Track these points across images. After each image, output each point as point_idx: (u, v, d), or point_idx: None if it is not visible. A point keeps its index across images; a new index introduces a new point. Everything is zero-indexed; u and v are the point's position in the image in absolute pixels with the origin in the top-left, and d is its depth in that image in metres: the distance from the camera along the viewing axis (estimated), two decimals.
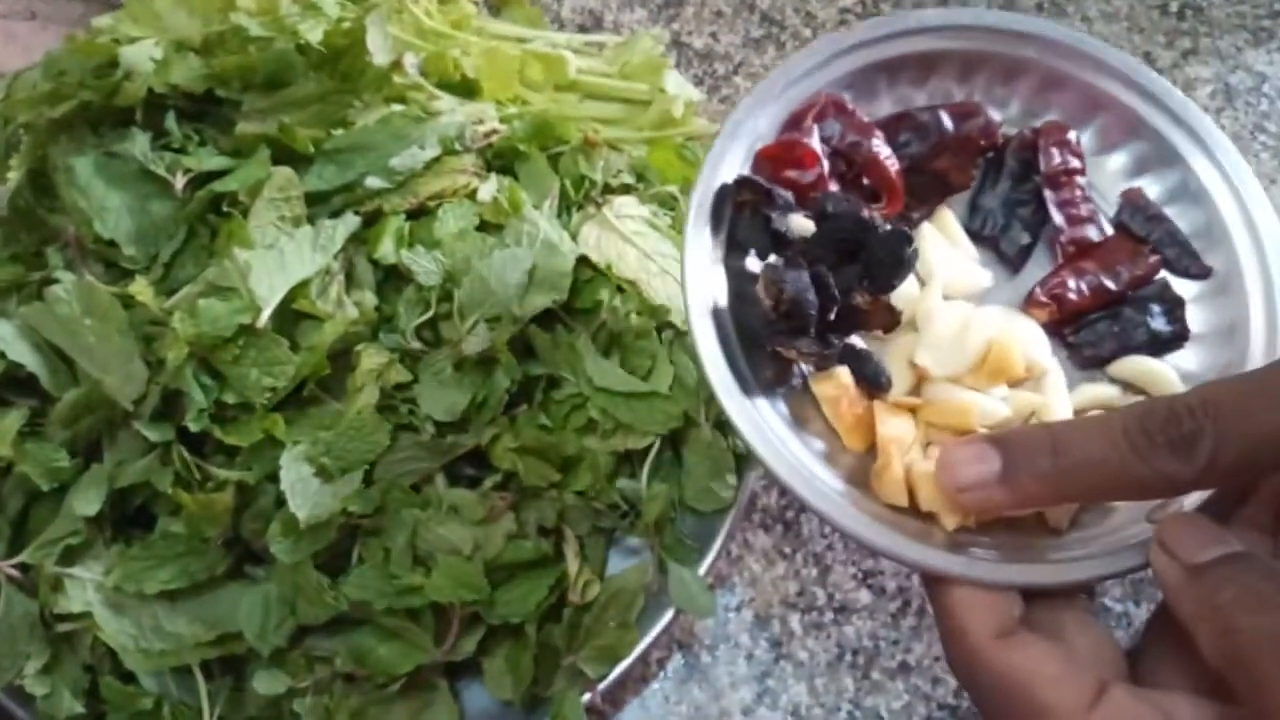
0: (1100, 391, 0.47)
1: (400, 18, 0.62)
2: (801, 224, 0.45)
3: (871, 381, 0.45)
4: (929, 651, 0.58)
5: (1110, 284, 0.48)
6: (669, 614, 0.53)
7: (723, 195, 0.46)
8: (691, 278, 0.44)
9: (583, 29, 0.77)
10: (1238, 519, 0.41)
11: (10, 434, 0.50)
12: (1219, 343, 0.47)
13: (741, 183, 0.46)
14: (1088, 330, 0.48)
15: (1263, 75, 0.75)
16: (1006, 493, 0.39)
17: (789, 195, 0.46)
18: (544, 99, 0.66)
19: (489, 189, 0.58)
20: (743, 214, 0.46)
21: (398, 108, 0.57)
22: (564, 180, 0.60)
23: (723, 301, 0.45)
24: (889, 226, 0.43)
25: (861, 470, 0.44)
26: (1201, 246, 0.48)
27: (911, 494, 0.43)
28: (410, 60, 0.59)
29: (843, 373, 0.45)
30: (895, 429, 0.44)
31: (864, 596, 0.60)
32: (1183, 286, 0.48)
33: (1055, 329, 0.48)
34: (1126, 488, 0.38)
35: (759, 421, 0.42)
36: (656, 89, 0.67)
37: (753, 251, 0.46)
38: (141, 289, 0.52)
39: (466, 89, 0.63)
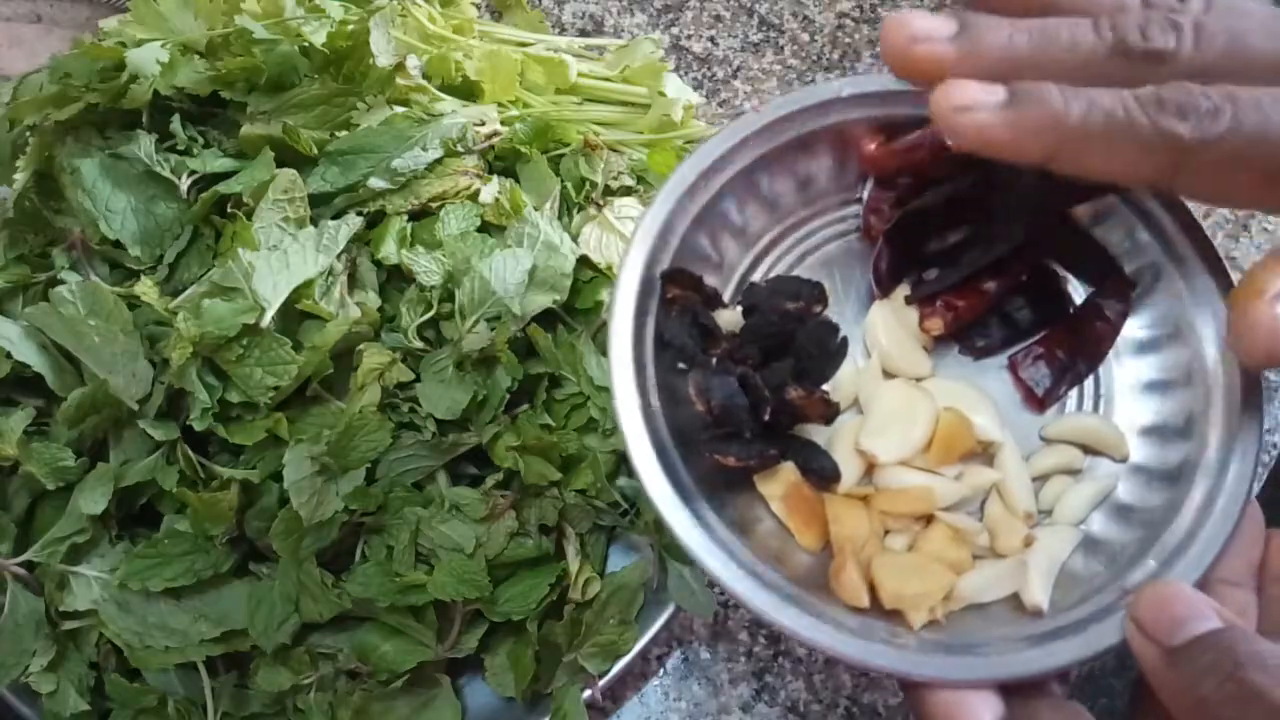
0: (1060, 457, 0.45)
1: (404, 21, 0.63)
2: (729, 318, 0.45)
3: (819, 474, 0.43)
4: None
5: (992, 282, 0.46)
6: (669, 611, 0.54)
7: (646, 292, 0.44)
8: (619, 381, 0.42)
9: (583, 33, 0.78)
10: (1216, 578, 0.39)
11: (16, 433, 0.50)
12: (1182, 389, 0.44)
13: (670, 275, 0.44)
14: (980, 328, 0.47)
15: None
16: (956, 50, 0.37)
17: (715, 289, 0.45)
18: (545, 102, 0.67)
19: (490, 190, 0.58)
20: (670, 310, 0.44)
21: (400, 110, 0.58)
22: (565, 182, 0.60)
23: (654, 402, 0.43)
24: (816, 319, 0.42)
25: (819, 569, 0.42)
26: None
27: (874, 592, 0.41)
28: (413, 62, 0.59)
29: (788, 468, 0.43)
30: (848, 526, 0.42)
31: None
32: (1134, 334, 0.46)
33: (954, 337, 0.47)
34: (1119, 140, 0.36)
35: (704, 529, 0.40)
36: (656, 92, 0.68)
37: (681, 350, 0.44)
38: (146, 289, 0.52)
39: (468, 91, 0.63)
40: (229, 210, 0.55)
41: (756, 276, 0.48)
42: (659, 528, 0.54)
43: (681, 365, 0.44)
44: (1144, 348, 0.46)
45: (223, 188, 0.55)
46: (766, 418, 0.42)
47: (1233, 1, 0.38)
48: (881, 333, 0.46)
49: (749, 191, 0.48)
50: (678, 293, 0.44)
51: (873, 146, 0.47)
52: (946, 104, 0.37)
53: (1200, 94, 0.35)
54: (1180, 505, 0.41)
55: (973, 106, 0.36)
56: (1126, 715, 0.40)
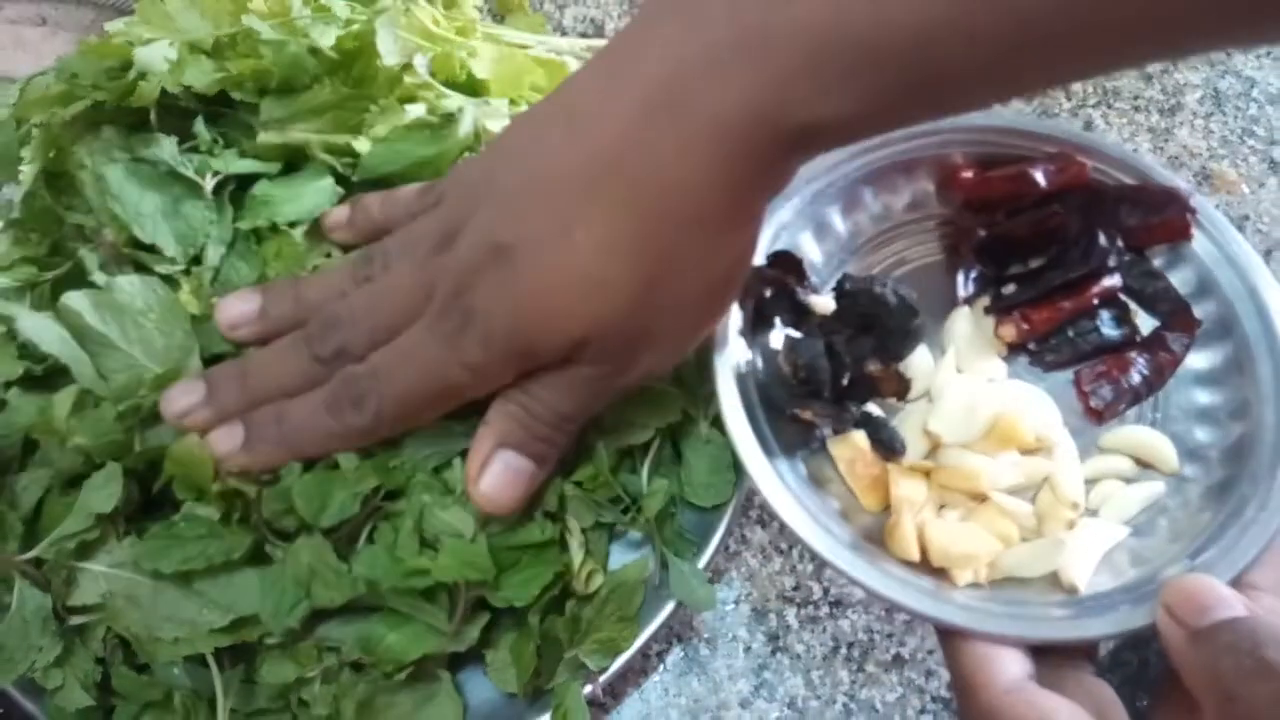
0: (1112, 464, 0.49)
1: (408, 19, 0.63)
2: (822, 302, 0.50)
3: (887, 446, 0.48)
4: (923, 645, 0.59)
5: (1067, 303, 0.51)
6: (668, 607, 0.54)
7: (754, 276, 0.49)
8: (721, 350, 0.48)
9: (584, 36, 0.78)
10: (1247, 581, 0.42)
11: (65, 408, 0.51)
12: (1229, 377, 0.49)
13: (775, 256, 0.50)
14: (1051, 343, 0.52)
15: (1251, 80, 0.76)
16: (213, 413, 0.50)
17: (810, 277, 0.51)
18: None
19: None
20: (770, 288, 0.50)
21: (411, 109, 0.58)
22: None
23: (746, 369, 0.49)
24: (900, 300, 0.47)
25: (876, 528, 0.47)
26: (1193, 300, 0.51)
27: (924, 551, 0.45)
28: (420, 60, 0.60)
29: (859, 436, 0.48)
30: (908, 490, 0.47)
31: (859, 591, 0.60)
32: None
33: (1026, 349, 0.52)
34: (326, 441, 0.49)
35: (779, 480, 0.45)
36: None
37: (778, 322, 0.50)
38: (186, 297, 0.54)
39: (473, 89, 0.63)
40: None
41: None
42: (660, 522, 0.55)
43: (773, 344, 0.50)
44: (1203, 379, 0.50)
45: (277, 216, 0.56)
46: (845, 383, 0.48)
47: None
48: (960, 335, 0.51)
49: (851, 202, 0.54)
50: (778, 274, 0.50)
51: (969, 174, 0.53)
52: (218, 456, 0.49)
53: (353, 380, 0.48)
54: (1221, 517, 0.45)
55: (226, 457, 0.49)
56: (1149, 707, 0.42)
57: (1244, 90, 0.76)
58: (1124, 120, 0.75)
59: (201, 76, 0.56)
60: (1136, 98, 0.76)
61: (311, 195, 0.57)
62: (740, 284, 0.47)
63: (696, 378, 0.55)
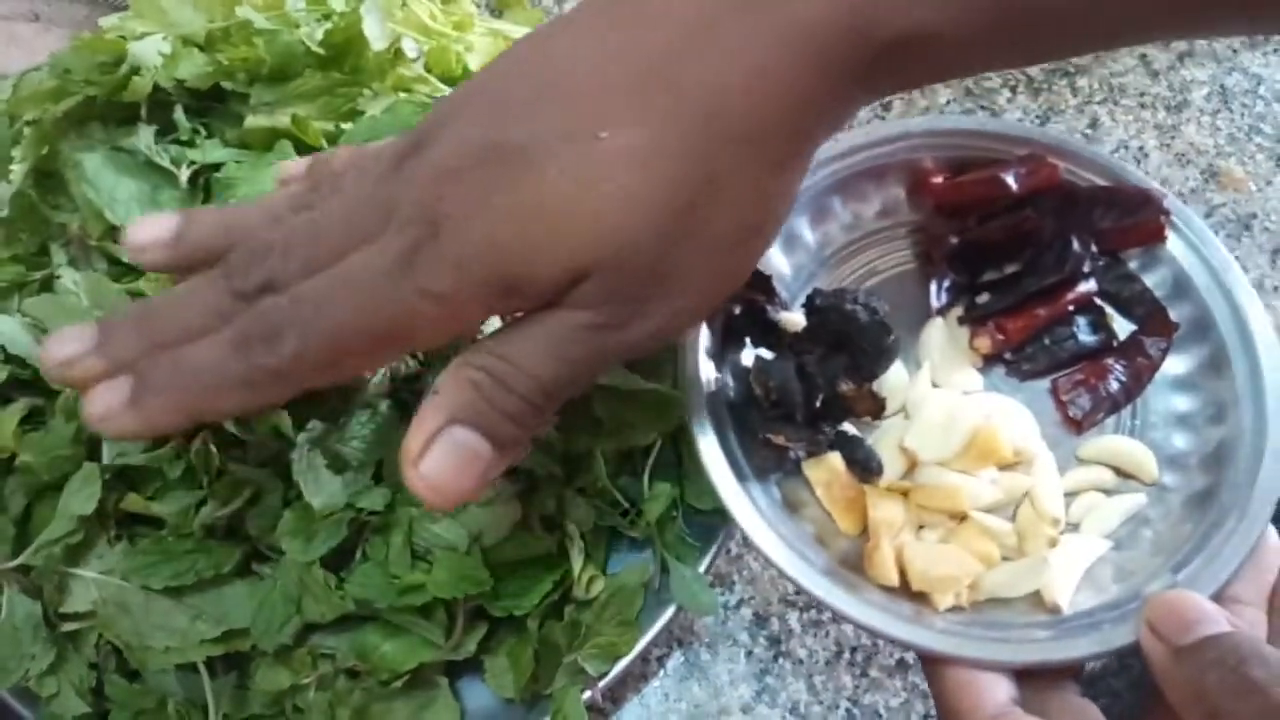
0: (1092, 475, 0.48)
1: (405, 13, 0.63)
2: (792, 319, 0.48)
3: (863, 466, 0.46)
4: None
5: (1042, 310, 0.50)
6: (669, 612, 0.53)
7: None
8: (690, 371, 0.46)
9: None
10: (1229, 595, 0.41)
11: (12, 425, 0.50)
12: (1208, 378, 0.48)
13: None
14: (1027, 352, 0.51)
15: (1259, 77, 0.76)
16: (106, 362, 0.39)
17: (780, 293, 0.49)
18: None
19: None
20: (739, 306, 0.48)
21: (404, 95, 0.58)
22: None
23: (718, 390, 0.47)
24: (872, 318, 0.46)
25: (854, 552, 0.45)
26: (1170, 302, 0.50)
27: (903, 574, 0.44)
28: (410, 47, 0.59)
29: (834, 458, 0.47)
30: (886, 512, 0.45)
31: None
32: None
33: (1002, 359, 0.51)
34: (230, 392, 0.38)
35: (752, 505, 0.44)
36: None
37: (748, 342, 0.49)
38: (150, 283, 0.52)
39: None
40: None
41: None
42: (662, 526, 0.54)
43: (744, 362, 0.49)
44: (1180, 384, 0.49)
45: (243, 190, 0.54)
46: (818, 405, 0.46)
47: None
48: (934, 347, 0.50)
49: (820, 212, 0.52)
50: (746, 291, 0.47)
51: (940, 179, 0.52)
52: (91, 421, 0.39)
53: (270, 310, 0.37)
54: (1202, 528, 0.44)
55: (107, 417, 0.39)
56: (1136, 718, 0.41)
57: (1251, 87, 0.75)
58: (1130, 117, 0.74)
59: (194, 69, 0.55)
60: (1143, 94, 0.75)
61: (270, 175, 0.54)
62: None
63: None
